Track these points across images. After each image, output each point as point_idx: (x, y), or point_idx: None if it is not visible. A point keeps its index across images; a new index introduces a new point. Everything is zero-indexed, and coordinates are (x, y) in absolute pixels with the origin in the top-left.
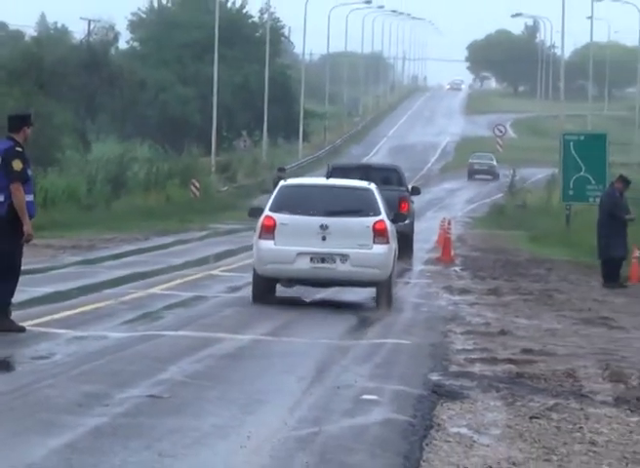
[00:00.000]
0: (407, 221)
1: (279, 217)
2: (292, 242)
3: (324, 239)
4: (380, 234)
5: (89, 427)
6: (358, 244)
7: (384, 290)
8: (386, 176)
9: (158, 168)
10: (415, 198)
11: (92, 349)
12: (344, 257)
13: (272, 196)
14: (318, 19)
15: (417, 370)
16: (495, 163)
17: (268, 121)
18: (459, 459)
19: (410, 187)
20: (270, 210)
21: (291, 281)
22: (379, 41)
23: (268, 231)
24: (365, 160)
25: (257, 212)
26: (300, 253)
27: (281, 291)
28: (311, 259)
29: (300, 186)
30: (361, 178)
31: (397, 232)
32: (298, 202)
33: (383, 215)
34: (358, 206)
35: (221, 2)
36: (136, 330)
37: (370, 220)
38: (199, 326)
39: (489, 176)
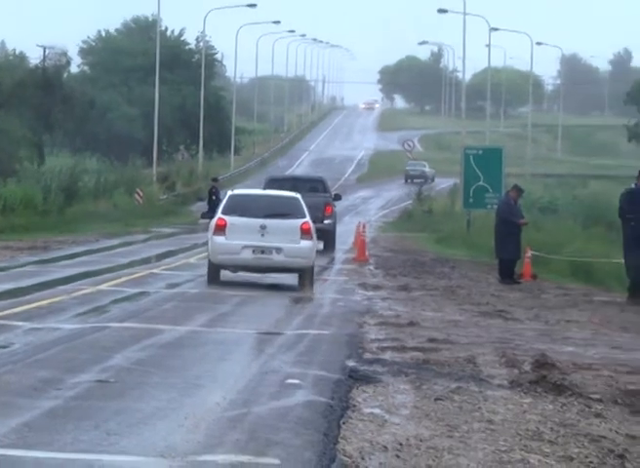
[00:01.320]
0: (331, 221)
1: (229, 219)
2: (238, 237)
3: (263, 236)
4: (305, 232)
5: (44, 409)
6: (289, 239)
7: (308, 274)
8: (314, 186)
9: (106, 178)
10: (337, 203)
11: (47, 339)
12: (279, 250)
13: (223, 202)
14: (248, 46)
15: (335, 357)
16: (426, 169)
17: (204, 136)
18: (372, 436)
19: (333, 194)
20: (222, 213)
21: (237, 268)
22: (301, 65)
23: (220, 229)
24: (289, 171)
25: (207, 215)
26: (244, 247)
27: (225, 275)
28: (253, 251)
29: (244, 195)
30: (293, 188)
31: (323, 230)
32: (243, 207)
33: (308, 218)
34: (288, 211)
35: (162, 31)
36: (86, 322)
37: (298, 222)
38: (142, 318)
39: (422, 180)
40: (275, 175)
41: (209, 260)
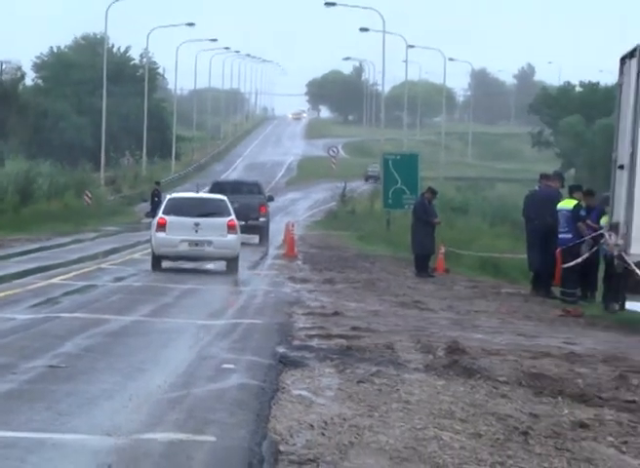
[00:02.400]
0: (265, 219)
1: (168, 218)
2: (176, 233)
3: (197, 231)
4: (231, 228)
5: (0, 392)
6: (218, 234)
7: (234, 263)
8: (250, 189)
9: (58, 181)
10: (270, 203)
11: (3, 328)
12: (210, 243)
13: (163, 204)
14: (187, 62)
15: (266, 344)
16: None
17: (147, 143)
18: (300, 416)
19: (267, 196)
20: (162, 213)
21: (176, 258)
22: (236, 79)
23: (161, 227)
24: (225, 175)
25: (150, 214)
26: (181, 241)
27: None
28: (189, 244)
29: (180, 198)
30: (234, 190)
31: (258, 227)
32: (179, 208)
33: (233, 216)
34: (217, 210)
35: (109, 48)
36: (39, 312)
37: (225, 219)
38: (91, 309)
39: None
40: (219, 180)
41: (152, 252)
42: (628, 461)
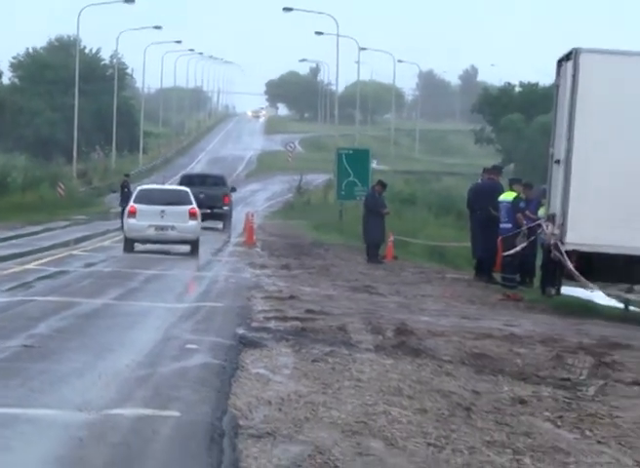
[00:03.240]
0: (228, 208)
1: (138, 206)
2: (145, 219)
3: (162, 218)
4: (192, 215)
5: None
6: (181, 220)
7: (195, 245)
8: (216, 181)
9: (33, 174)
10: (233, 194)
11: None
12: (173, 227)
13: (134, 194)
14: (154, 62)
15: (227, 325)
16: (375, 165)
17: (116, 139)
18: (258, 392)
19: (230, 187)
20: (133, 202)
21: (145, 241)
22: (200, 78)
23: (132, 214)
24: (189, 168)
25: (121, 204)
26: (149, 226)
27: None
28: (155, 229)
29: (149, 189)
30: (201, 182)
31: (222, 214)
32: (148, 198)
33: (194, 205)
34: (180, 200)
35: (81, 49)
36: (15, 296)
37: (187, 207)
38: (63, 293)
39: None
40: (188, 173)
41: (125, 236)
42: (563, 435)
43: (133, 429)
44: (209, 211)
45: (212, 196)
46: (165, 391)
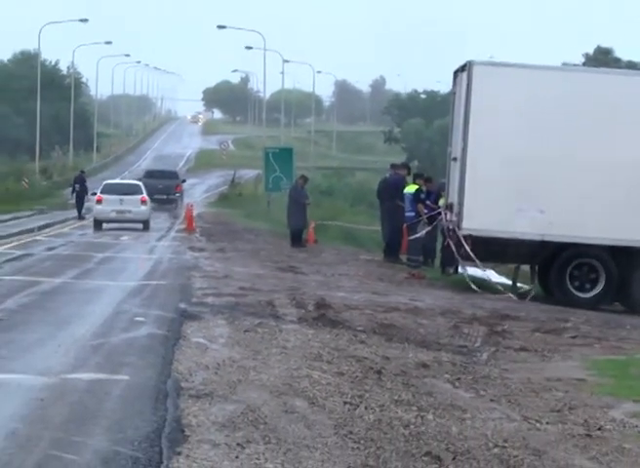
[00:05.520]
0: (179, 194)
1: (104, 196)
2: (109, 205)
3: (121, 204)
4: (143, 202)
5: None
6: (134, 206)
7: (146, 224)
8: (171, 175)
9: (0, 169)
10: (183, 184)
11: None
12: (129, 211)
13: (101, 187)
14: (106, 72)
15: (170, 301)
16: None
17: (73, 139)
18: (198, 359)
19: (181, 179)
20: (100, 192)
21: (109, 221)
22: (145, 86)
23: (99, 201)
24: (137, 164)
25: (95, 194)
26: (112, 210)
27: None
28: (116, 212)
29: (112, 183)
30: (160, 176)
31: (175, 200)
32: (111, 189)
33: (145, 194)
34: (134, 190)
35: (42, 61)
36: None
37: (139, 196)
38: (27, 273)
39: None
40: (150, 169)
41: (94, 218)
42: (461, 394)
43: (88, 391)
44: (165, 197)
45: (167, 186)
46: (116, 358)
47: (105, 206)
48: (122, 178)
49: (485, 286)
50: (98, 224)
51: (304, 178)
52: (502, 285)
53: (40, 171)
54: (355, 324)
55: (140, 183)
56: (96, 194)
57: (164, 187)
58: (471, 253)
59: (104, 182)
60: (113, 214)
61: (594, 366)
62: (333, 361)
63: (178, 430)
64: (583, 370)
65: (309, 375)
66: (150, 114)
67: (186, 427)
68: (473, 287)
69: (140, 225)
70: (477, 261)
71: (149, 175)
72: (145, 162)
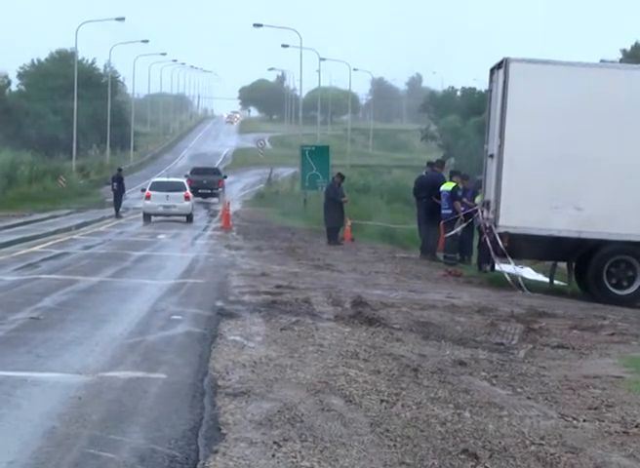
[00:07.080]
0: (222, 189)
1: (152, 192)
2: (156, 201)
3: (167, 199)
4: (186, 198)
5: None
6: (179, 201)
7: (190, 217)
8: (214, 171)
9: (38, 168)
10: (225, 180)
11: None
12: (174, 206)
13: (149, 184)
14: (142, 71)
15: (207, 299)
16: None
17: (110, 137)
18: (234, 357)
19: (223, 175)
20: (149, 189)
21: (156, 215)
22: (182, 85)
23: (148, 197)
24: (174, 163)
25: (144, 190)
26: (159, 205)
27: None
28: (163, 207)
29: (159, 181)
30: (205, 172)
31: (217, 193)
32: (158, 186)
33: (188, 190)
34: (179, 187)
35: (79, 60)
36: (22, 275)
37: (182, 193)
38: (64, 271)
39: None
40: (197, 166)
41: (143, 212)
42: (498, 391)
43: (125, 389)
44: (209, 191)
45: (211, 181)
46: (153, 356)
47: (154, 201)
48: (164, 176)
49: (516, 283)
50: (147, 217)
51: (341, 176)
52: (539, 282)
53: (77, 169)
54: (392, 321)
55: (184, 181)
56: (145, 190)
57: (208, 182)
58: (505, 251)
59: (152, 180)
60: (160, 209)
61: (632, 363)
62: (369, 359)
63: (214, 428)
64: (621, 368)
65: (346, 373)
66: (187, 113)
67: (223, 425)
68: (513, 284)
69: (184, 218)
70: (509, 259)
71: (195, 171)
72: (182, 160)
